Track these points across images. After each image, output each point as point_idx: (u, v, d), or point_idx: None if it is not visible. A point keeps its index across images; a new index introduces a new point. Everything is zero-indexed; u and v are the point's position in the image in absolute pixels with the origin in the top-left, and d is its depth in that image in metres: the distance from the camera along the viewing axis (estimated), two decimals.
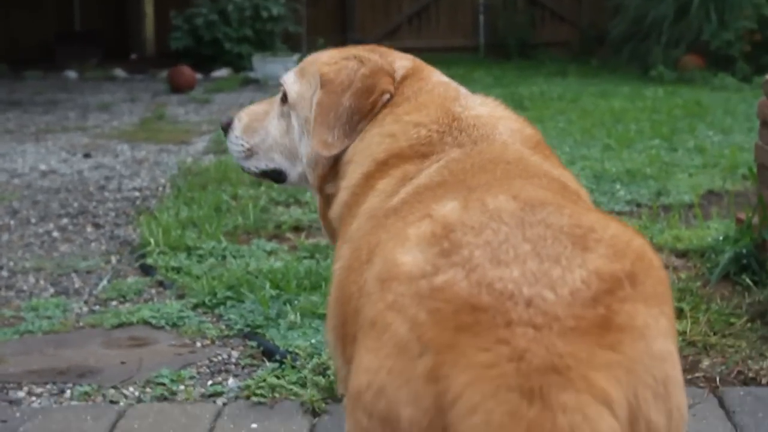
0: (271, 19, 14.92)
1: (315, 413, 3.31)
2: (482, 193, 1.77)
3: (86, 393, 3.50)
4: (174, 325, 4.13)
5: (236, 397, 3.46)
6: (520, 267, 1.54)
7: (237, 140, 2.67)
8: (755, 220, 4.38)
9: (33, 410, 3.39)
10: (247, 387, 3.49)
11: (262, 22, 14.87)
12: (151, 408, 3.39)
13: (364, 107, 2.36)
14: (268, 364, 3.70)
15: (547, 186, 1.93)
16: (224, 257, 4.98)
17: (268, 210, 5.90)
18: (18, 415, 3.35)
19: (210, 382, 3.59)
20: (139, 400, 3.46)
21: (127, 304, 4.44)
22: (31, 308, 4.37)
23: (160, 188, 6.87)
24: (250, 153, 2.65)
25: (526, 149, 2.16)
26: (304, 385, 3.46)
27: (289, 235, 5.39)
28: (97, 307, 4.42)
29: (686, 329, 3.80)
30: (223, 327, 4.10)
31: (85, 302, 4.49)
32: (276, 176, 2.66)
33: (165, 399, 3.47)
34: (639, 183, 6.57)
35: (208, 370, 3.71)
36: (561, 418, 1.40)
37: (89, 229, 5.81)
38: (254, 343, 3.88)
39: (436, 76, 2.46)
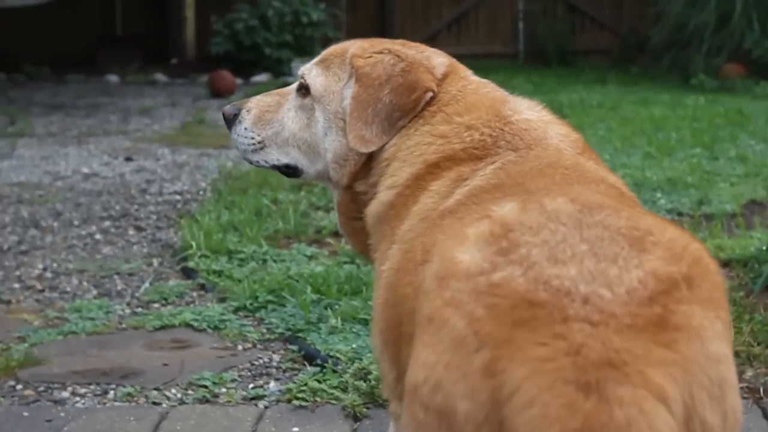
0: (311, 25, 14.97)
1: (356, 418, 3.32)
2: (541, 195, 1.79)
3: (129, 394, 3.53)
4: (215, 328, 4.15)
5: (277, 401, 3.48)
6: (577, 266, 1.56)
7: (246, 132, 2.58)
8: None
9: (77, 410, 3.43)
10: (289, 391, 3.50)
11: (301, 27, 14.92)
12: (194, 410, 3.42)
13: (406, 104, 2.34)
14: (309, 368, 3.71)
15: (604, 192, 1.95)
16: (265, 261, 5.00)
17: (308, 215, 5.92)
18: (62, 415, 3.39)
19: (251, 386, 3.61)
20: (182, 402, 3.48)
21: (169, 307, 4.47)
22: (74, 309, 4.41)
23: (201, 192, 6.91)
24: (261, 146, 2.57)
25: (579, 155, 2.16)
26: (345, 390, 3.47)
27: (329, 239, 5.41)
28: (139, 309, 4.46)
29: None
30: (265, 330, 4.12)
31: (128, 304, 4.53)
32: (287, 171, 2.59)
33: (207, 401, 3.49)
34: (680, 192, 6.52)
35: (249, 374, 3.73)
36: (617, 412, 1.41)
37: (131, 231, 5.86)
38: (295, 347, 3.90)
39: (474, 76, 2.45)
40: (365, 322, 4.00)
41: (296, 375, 3.67)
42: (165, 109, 11.70)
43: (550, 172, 2.04)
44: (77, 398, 3.54)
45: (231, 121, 2.61)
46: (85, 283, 4.87)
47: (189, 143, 9.16)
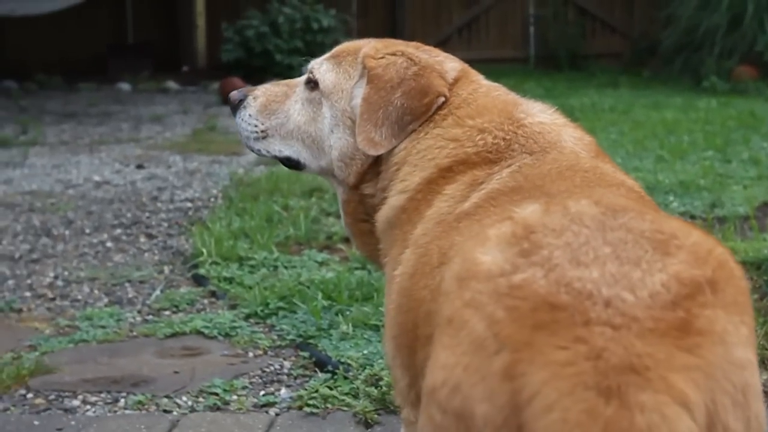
0: (322, 31, 14.97)
1: (367, 424, 3.31)
2: (564, 198, 1.77)
3: (140, 402, 3.52)
4: (226, 335, 4.14)
5: (289, 408, 3.46)
6: (600, 268, 1.54)
7: (251, 119, 2.57)
8: None
9: (88, 419, 3.42)
10: (300, 397, 3.49)
11: (312, 33, 14.92)
12: (204, 417, 3.41)
13: (418, 108, 2.32)
14: (320, 374, 3.70)
15: (626, 195, 1.94)
16: (276, 268, 4.99)
17: (319, 221, 5.91)
18: (73, 423, 3.38)
19: (262, 393, 3.60)
20: (192, 410, 3.47)
21: (180, 314, 4.46)
22: (85, 317, 4.41)
23: (212, 199, 6.91)
24: (264, 135, 2.56)
25: (595, 159, 2.15)
26: (356, 396, 3.46)
27: (340, 245, 5.39)
28: (150, 317, 4.46)
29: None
30: (275, 337, 4.11)
31: (139, 312, 4.53)
32: (288, 163, 2.58)
33: (218, 409, 3.48)
34: (693, 195, 6.50)
35: (260, 381, 3.72)
36: (639, 418, 1.39)
37: (142, 239, 5.85)
38: (306, 354, 3.89)
39: (484, 80, 2.44)
40: (376, 328, 3.99)
41: (307, 381, 3.66)
42: (176, 117, 11.72)
43: (569, 174, 2.02)
44: (88, 406, 3.53)
45: (236, 106, 2.61)
46: (96, 291, 4.87)
47: (200, 150, 9.17)
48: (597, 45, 17.51)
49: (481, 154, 2.19)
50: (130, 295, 4.78)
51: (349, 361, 3.71)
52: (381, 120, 2.32)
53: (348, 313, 4.21)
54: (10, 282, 5.01)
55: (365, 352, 3.80)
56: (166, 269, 5.19)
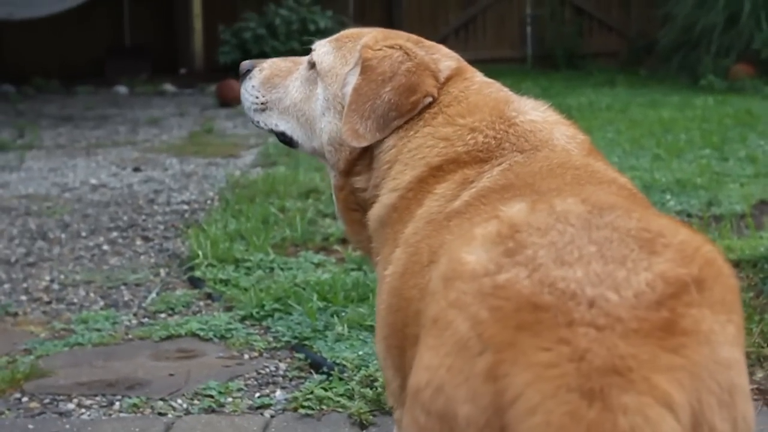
0: (318, 32, 14.96)
1: (362, 425, 3.30)
2: (552, 196, 1.77)
3: (135, 405, 3.51)
4: (222, 338, 4.14)
5: (284, 410, 3.46)
6: (584, 268, 1.53)
7: (253, 91, 2.62)
8: None
9: (82, 422, 3.42)
10: (295, 399, 3.48)
11: (309, 35, 14.90)
12: (199, 420, 3.40)
13: (404, 105, 2.31)
14: (315, 376, 3.69)
15: (616, 192, 1.93)
16: (272, 269, 4.99)
17: (315, 222, 5.91)
18: (68, 427, 3.38)
19: (258, 395, 3.60)
20: (187, 412, 3.47)
21: (176, 317, 4.46)
22: (81, 321, 4.40)
23: (209, 201, 6.91)
24: (264, 107, 2.59)
25: (587, 156, 2.14)
26: (351, 397, 3.45)
27: (336, 247, 5.39)
28: (146, 320, 4.45)
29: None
30: (271, 339, 4.10)
31: (135, 315, 4.52)
32: (284, 139, 2.60)
33: (213, 411, 3.47)
34: (689, 193, 6.49)
35: (255, 382, 3.71)
36: (622, 420, 1.38)
37: (138, 242, 5.85)
38: (302, 355, 3.88)
39: (479, 77, 2.42)
40: (372, 329, 3.98)
41: (302, 383, 3.65)
42: (173, 119, 11.71)
43: (560, 172, 2.01)
44: (83, 410, 3.52)
45: (243, 76, 2.66)
46: (92, 294, 4.86)
47: (197, 153, 9.16)
48: (594, 44, 17.52)
49: (472, 153, 2.18)
50: (125, 298, 4.78)
51: (344, 363, 3.71)
52: (368, 113, 2.32)
53: (343, 314, 4.21)
54: (6, 286, 5.00)
55: (360, 353, 3.79)
56: (162, 272, 5.19)
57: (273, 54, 14.62)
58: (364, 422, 3.31)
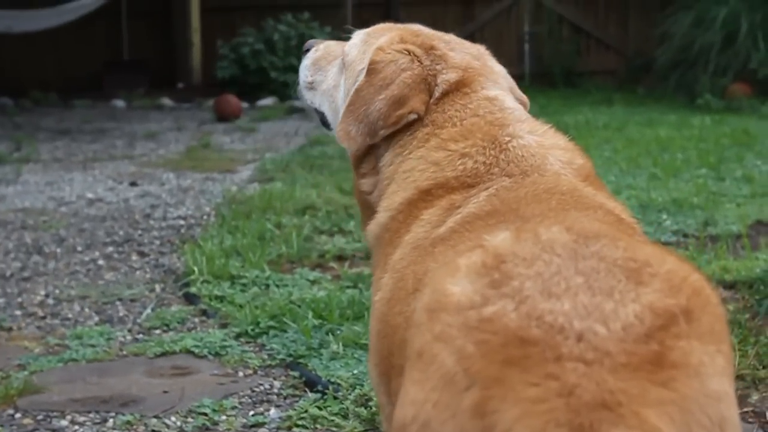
0: None
1: None
2: (536, 224, 1.75)
3: (128, 422, 3.50)
4: (216, 355, 4.13)
5: (278, 428, 3.45)
6: (572, 300, 1.51)
7: (304, 69, 2.66)
8: None
9: None
10: (289, 418, 3.47)
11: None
12: None
13: (390, 118, 2.28)
14: (310, 394, 3.68)
15: (602, 218, 1.90)
16: (267, 286, 4.98)
17: (311, 239, 5.90)
18: None
19: (252, 413, 3.58)
20: (181, 430, 3.46)
21: (171, 333, 4.45)
22: (75, 336, 4.39)
23: (205, 217, 6.90)
24: (311, 86, 2.63)
25: (578, 181, 2.11)
26: (345, 416, 3.45)
27: (332, 264, 5.38)
28: (140, 336, 4.44)
29: (734, 363, 3.74)
30: (266, 357, 4.09)
31: (129, 331, 4.51)
32: (323, 119, 2.63)
33: (207, 429, 3.46)
34: (686, 213, 6.49)
35: (250, 400, 3.70)
36: None
37: (134, 257, 5.84)
38: (296, 373, 3.87)
39: (484, 91, 2.33)
40: (367, 348, 3.96)
41: (297, 402, 3.64)
42: (171, 134, 11.71)
43: (546, 197, 1.98)
44: (76, 427, 3.51)
45: (304, 53, 2.71)
46: (86, 310, 4.85)
47: (194, 167, 9.16)
48: (592, 62, 17.53)
49: (460, 179, 2.15)
50: (120, 314, 4.77)
51: (339, 381, 3.70)
52: (362, 116, 2.30)
53: (339, 332, 4.20)
54: (1, 300, 4.99)
55: (355, 371, 3.78)
56: (158, 287, 5.18)
57: (271, 69, 14.66)
58: None
